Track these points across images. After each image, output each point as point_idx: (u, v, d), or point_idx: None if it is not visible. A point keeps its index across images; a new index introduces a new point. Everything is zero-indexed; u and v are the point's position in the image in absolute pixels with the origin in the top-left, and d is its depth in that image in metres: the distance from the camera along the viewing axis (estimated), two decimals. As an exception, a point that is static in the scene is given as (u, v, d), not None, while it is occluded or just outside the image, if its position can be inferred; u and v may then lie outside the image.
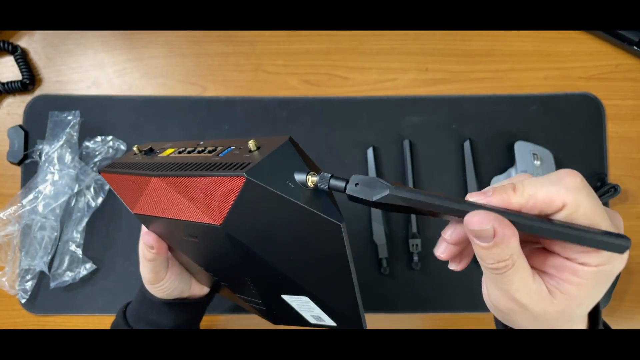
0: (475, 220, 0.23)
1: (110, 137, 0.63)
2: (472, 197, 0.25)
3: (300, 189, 0.29)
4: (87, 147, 0.63)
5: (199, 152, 0.35)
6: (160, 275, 0.44)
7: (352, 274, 0.32)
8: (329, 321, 0.39)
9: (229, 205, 0.30)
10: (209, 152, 0.34)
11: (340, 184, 0.28)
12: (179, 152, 0.37)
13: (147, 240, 0.41)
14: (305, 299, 0.37)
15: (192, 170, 0.32)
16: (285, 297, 0.38)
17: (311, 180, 0.29)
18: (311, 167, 0.31)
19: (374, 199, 0.26)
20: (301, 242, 0.32)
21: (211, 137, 0.64)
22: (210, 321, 0.63)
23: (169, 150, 0.39)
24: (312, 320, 0.40)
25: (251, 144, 0.31)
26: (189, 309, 0.48)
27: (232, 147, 0.33)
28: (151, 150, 0.41)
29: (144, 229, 0.43)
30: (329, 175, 0.28)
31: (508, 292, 0.25)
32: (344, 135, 0.64)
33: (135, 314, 0.47)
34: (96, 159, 0.63)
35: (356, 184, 0.27)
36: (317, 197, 0.30)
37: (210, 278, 0.46)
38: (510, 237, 0.23)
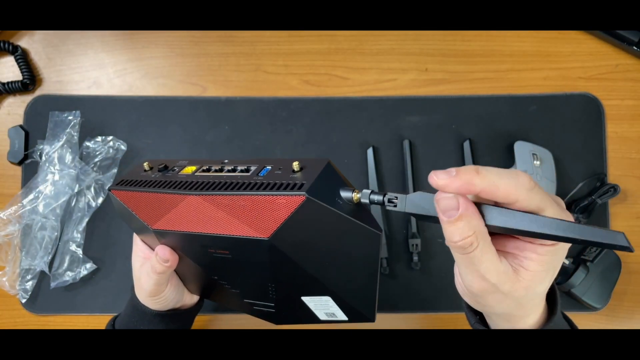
0: (444, 195, 0.27)
1: (110, 137, 0.63)
2: (436, 174, 0.26)
3: (346, 204, 0.33)
4: (88, 147, 0.63)
5: (229, 170, 0.38)
6: (162, 288, 0.44)
7: (378, 273, 0.38)
8: (341, 316, 0.41)
9: (282, 221, 0.33)
10: (243, 171, 0.37)
11: (379, 197, 0.32)
12: (205, 171, 0.40)
13: (163, 255, 0.41)
14: (326, 298, 0.39)
15: (241, 189, 0.35)
16: (305, 299, 0.40)
17: (356, 196, 0.33)
18: (348, 183, 0.35)
19: (406, 210, 0.30)
20: (340, 249, 0.35)
21: (211, 137, 0.64)
22: (209, 320, 0.63)
23: (191, 168, 0.41)
24: (323, 318, 0.42)
25: (295, 165, 0.35)
26: (180, 318, 0.49)
27: (269, 167, 0.37)
28: (166, 167, 0.42)
29: (154, 244, 0.43)
30: (369, 191, 0.33)
31: (479, 273, 0.28)
32: (344, 135, 0.64)
33: (126, 326, 0.47)
34: (97, 159, 0.63)
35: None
36: (358, 210, 0.34)
37: (201, 285, 0.48)
38: (473, 213, 0.26)
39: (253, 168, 0.37)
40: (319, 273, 0.37)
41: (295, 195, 0.32)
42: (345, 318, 0.41)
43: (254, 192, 0.34)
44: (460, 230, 0.26)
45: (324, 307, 0.41)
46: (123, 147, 0.63)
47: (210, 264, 0.41)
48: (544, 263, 0.28)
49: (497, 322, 0.34)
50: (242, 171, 0.37)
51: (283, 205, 0.33)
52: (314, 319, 0.42)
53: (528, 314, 0.32)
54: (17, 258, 0.61)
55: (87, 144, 0.63)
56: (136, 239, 0.46)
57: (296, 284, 0.39)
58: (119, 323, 0.48)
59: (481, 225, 0.27)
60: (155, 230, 0.40)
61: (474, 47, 0.66)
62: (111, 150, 0.63)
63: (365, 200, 0.33)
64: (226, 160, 0.40)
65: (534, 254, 0.28)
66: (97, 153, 0.63)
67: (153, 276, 0.43)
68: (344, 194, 0.34)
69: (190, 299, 0.50)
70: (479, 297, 0.30)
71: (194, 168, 0.41)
